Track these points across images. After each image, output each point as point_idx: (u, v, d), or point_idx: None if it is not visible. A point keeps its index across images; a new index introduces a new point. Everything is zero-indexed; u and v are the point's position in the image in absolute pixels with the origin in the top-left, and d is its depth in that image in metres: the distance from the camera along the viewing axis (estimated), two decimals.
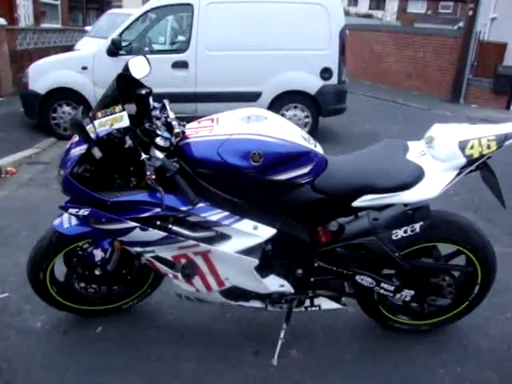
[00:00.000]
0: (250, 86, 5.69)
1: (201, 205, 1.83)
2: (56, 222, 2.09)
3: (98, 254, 2.09)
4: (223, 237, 1.92)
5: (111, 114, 1.79)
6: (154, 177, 1.71)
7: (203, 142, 1.83)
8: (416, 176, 1.88)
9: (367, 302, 2.28)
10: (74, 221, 2.06)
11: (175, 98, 5.52)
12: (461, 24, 10.92)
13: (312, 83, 5.80)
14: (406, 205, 2.01)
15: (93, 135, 1.76)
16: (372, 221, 2.08)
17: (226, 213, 1.86)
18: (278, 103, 5.78)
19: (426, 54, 11.79)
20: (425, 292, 2.15)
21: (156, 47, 6.47)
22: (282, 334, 2.15)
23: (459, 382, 2.10)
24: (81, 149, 1.81)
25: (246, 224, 1.89)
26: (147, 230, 1.85)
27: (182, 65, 5.58)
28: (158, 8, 5.63)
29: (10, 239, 3.26)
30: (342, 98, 6.01)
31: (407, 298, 2.14)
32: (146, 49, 5.93)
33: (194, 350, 2.23)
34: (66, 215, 2.10)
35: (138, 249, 1.95)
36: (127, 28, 5.59)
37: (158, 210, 1.84)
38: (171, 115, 1.94)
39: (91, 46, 7.19)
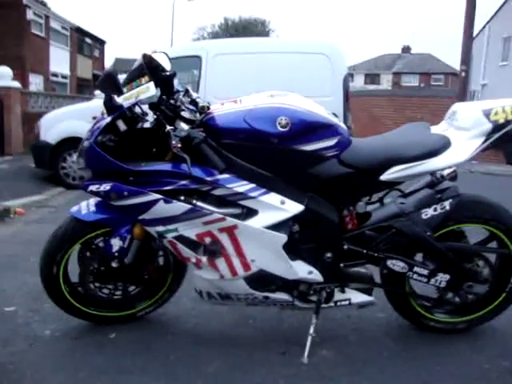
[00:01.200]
0: None
1: (227, 176, 1.79)
2: (73, 209, 2.04)
3: (117, 244, 2.01)
4: (250, 212, 1.85)
5: (137, 87, 1.81)
6: (179, 145, 1.69)
7: (229, 113, 1.84)
8: (443, 143, 1.86)
9: (398, 293, 2.14)
10: (93, 207, 2.01)
11: None
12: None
13: None
14: (432, 187, 1.97)
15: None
16: (399, 204, 2.02)
17: (253, 185, 1.81)
18: None
19: (424, 115, 12.20)
20: (460, 277, 2.03)
21: None
22: (311, 330, 2.00)
23: (508, 376, 1.92)
24: (106, 120, 1.81)
25: (274, 197, 1.83)
26: (171, 202, 1.79)
27: None
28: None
29: (18, 265, 3.15)
30: None
31: (442, 284, 2.02)
32: None
33: (216, 352, 2.07)
34: (84, 203, 2.06)
35: (160, 228, 1.87)
36: None
37: (182, 182, 1.80)
38: (195, 95, 1.95)
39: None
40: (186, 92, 2.04)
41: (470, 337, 2.19)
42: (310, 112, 1.84)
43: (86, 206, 2.01)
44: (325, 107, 6.25)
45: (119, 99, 1.84)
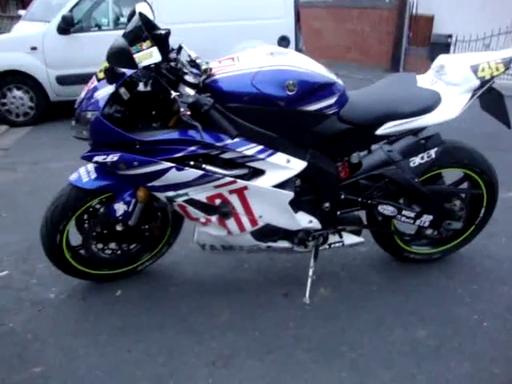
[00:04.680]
0: (209, 59, 5.61)
1: (236, 139, 1.81)
2: (73, 177, 1.98)
3: (121, 208, 2.01)
4: (257, 173, 1.91)
5: (137, 52, 1.71)
6: (189, 113, 1.66)
7: (235, 76, 1.80)
8: (435, 100, 1.96)
9: (384, 233, 2.36)
10: (94, 174, 1.97)
11: None
12: None
13: None
14: (416, 134, 2.10)
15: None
16: (387, 152, 2.14)
17: (261, 146, 1.85)
18: None
19: (364, 27, 12.23)
20: (441, 216, 2.25)
21: (105, 24, 6.13)
22: (310, 272, 2.18)
23: (478, 298, 2.23)
24: (109, 88, 1.72)
25: (280, 157, 1.89)
26: (183, 169, 1.79)
27: None
28: None
29: None
30: None
31: (426, 224, 2.24)
32: (95, 28, 5.66)
33: (223, 300, 2.21)
34: (82, 169, 2.01)
35: (171, 193, 1.89)
36: (76, 4, 5.29)
37: (191, 148, 1.79)
38: (193, 54, 1.89)
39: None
40: (179, 50, 1.96)
41: (444, 265, 2.48)
42: (314, 73, 1.85)
43: (87, 174, 1.96)
44: (277, 29, 6.14)
45: None
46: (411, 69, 11.45)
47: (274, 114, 1.83)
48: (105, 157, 1.80)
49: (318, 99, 1.86)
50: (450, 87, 2.00)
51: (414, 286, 2.32)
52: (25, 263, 2.51)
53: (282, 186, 1.93)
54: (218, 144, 1.79)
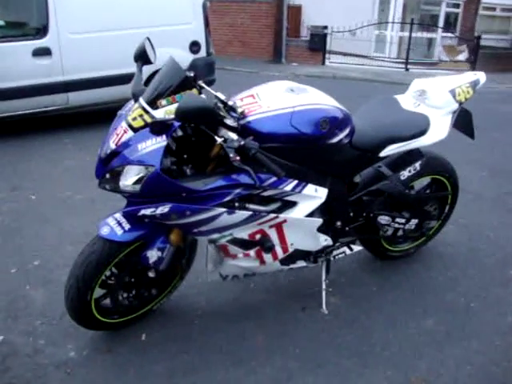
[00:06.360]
0: (123, 68, 5.39)
1: (274, 178, 1.89)
2: (104, 231, 1.88)
3: (154, 255, 1.97)
4: (290, 204, 2.02)
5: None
6: (238, 158, 1.71)
7: (272, 117, 1.87)
8: (427, 123, 2.27)
9: (373, 238, 2.64)
10: (127, 225, 1.90)
11: (41, 89, 4.97)
12: None
13: (183, 58, 5.76)
14: None
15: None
16: (378, 169, 2.41)
17: (296, 181, 1.97)
18: None
19: (244, 21, 12.56)
20: (424, 218, 2.60)
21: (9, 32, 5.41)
22: (324, 285, 2.38)
23: (457, 283, 2.65)
24: (159, 140, 1.68)
25: (310, 188, 2.03)
26: (234, 212, 1.84)
27: (44, 52, 4.93)
28: None
29: None
30: (212, 69, 6.14)
31: (413, 227, 2.57)
32: None
33: (250, 324, 2.29)
34: (111, 221, 1.92)
35: (215, 235, 1.91)
36: None
37: (237, 190, 1.84)
38: (221, 96, 1.91)
39: None
40: (201, 89, 1.97)
41: (418, 258, 2.87)
42: (336, 107, 2.01)
43: (118, 225, 1.88)
44: (187, 34, 6.14)
45: (158, 112, 1.72)
46: (293, 59, 12.18)
47: (307, 150, 1.96)
48: (153, 209, 1.76)
49: (340, 131, 2.02)
50: (433, 110, 2.32)
51: (404, 280, 2.66)
52: (17, 322, 2.29)
53: (312, 213, 2.08)
54: (264, 184, 1.87)
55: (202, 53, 5.95)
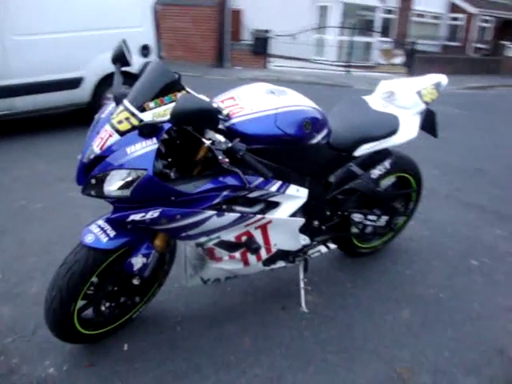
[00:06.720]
0: (70, 72, 5.21)
1: (261, 179, 1.91)
2: (88, 239, 1.80)
3: (139, 261, 1.91)
4: (273, 205, 2.04)
5: (170, 102, 1.68)
6: (227, 160, 1.71)
7: (256, 118, 1.87)
8: (397, 123, 2.37)
9: (345, 236, 2.72)
10: (112, 231, 1.84)
11: None
12: None
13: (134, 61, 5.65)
14: None
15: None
16: (350, 168, 2.49)
17: (280, 181, 1.99)
18: (105, 86, 5.44)
19: (186, 25, 12.46)
20: (393, 214, 2.72)
21: None
22: (302, 284, 2.43)
23: (423, 275, 2.79)
24: (149, 143, 1.64)
25: (292, 189, 2.06)
26: (223, 214, 1.83)
27: None
28: None
29: None
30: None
31: (383, 223, 2.68)
32: None
33: (236, 327, 2.28)
34: (95, 228, 1.85)
35: (203, 239, 1.89)
36: None
37: (225, 193, 1.83)
38: (205, 98, 1.90)
39: None
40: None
41: (385, 253, 2.99)
42: (316, 109, 2.05)
43: (103, 232, 1.81)
44: (137, 38, 6.03)
45: (146, 114, 1.68)
46: (237, 63, 12.24)
47: (289, 151, 1.99)
48: (143, 214, 1.71)
49: (319, 132, 2.07)
50: (402, 110, 2.43)
51: (374, 276, 2.76)
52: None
53: (294, 213, 2.11)
54: (252, 185, 1.87)
55: (153, 56, 5.83)
